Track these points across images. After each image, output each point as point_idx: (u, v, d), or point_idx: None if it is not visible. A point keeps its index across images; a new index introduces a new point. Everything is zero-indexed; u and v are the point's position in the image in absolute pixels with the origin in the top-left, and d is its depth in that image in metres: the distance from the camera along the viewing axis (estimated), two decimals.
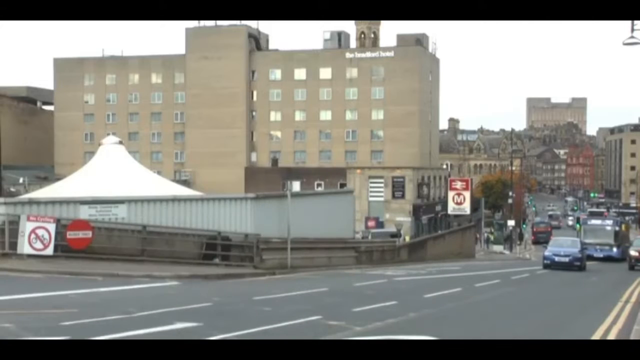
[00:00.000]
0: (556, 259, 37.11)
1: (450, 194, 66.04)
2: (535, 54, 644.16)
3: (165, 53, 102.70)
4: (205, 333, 11.46)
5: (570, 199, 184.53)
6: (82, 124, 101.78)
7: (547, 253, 38.29)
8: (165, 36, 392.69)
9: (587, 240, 47.84)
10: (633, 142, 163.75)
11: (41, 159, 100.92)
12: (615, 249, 50.62)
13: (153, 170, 53.53)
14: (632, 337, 11.88)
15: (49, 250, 22.71)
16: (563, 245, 39.06)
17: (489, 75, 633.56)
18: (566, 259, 36.81)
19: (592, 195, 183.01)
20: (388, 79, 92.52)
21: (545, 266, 37.25)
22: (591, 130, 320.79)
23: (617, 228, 52.80)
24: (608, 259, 49.07)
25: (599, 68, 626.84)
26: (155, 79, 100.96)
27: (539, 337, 12.20)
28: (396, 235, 52.73)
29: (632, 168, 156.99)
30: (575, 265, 36.61)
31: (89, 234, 23.36)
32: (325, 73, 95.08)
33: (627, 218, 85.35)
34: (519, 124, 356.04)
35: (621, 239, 52.59)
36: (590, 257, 45.20)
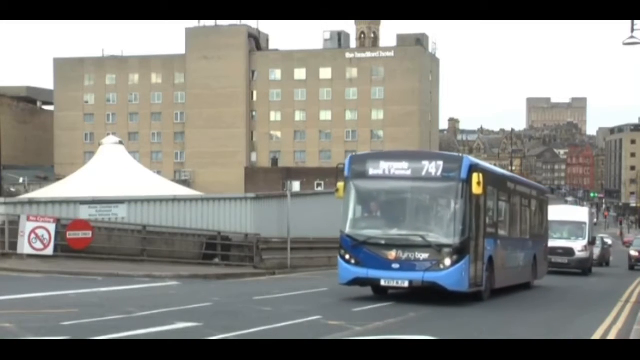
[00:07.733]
0: None
1: None
2: (535, 54, 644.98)
3: (165, 53, 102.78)
4: (205, 333, 11.44)
5: (570, 199, 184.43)
6: (82, 124, 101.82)
7: None
8: (165, 36, 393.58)
9: (356, 232, 17.74)
10: (633, 142, 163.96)
11: (41, 159, 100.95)
12: (449, 260, 15.71)
13: (153, 170, 53.52)
14: (632, 337, 11.86)
15: (49, 250, 22.70)
16: None
17: (489, 75, 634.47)
18: None
19: (592, 195, 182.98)
20: (388, 79, 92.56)
21: None
22: (591, 130, 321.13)
23: (460, 196, 15.73)
24: (424, 292, 16.59)
25: (599, 68, 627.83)
26: (155, 79, 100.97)
27: (539, 336, 12.18)
28: None
29: (632, 168, 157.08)
30: None
31: (89, 234, 23.34)
32: (325, 73, 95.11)
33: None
34: (519, 124, 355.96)
35: (471, 229, 16.06)
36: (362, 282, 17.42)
